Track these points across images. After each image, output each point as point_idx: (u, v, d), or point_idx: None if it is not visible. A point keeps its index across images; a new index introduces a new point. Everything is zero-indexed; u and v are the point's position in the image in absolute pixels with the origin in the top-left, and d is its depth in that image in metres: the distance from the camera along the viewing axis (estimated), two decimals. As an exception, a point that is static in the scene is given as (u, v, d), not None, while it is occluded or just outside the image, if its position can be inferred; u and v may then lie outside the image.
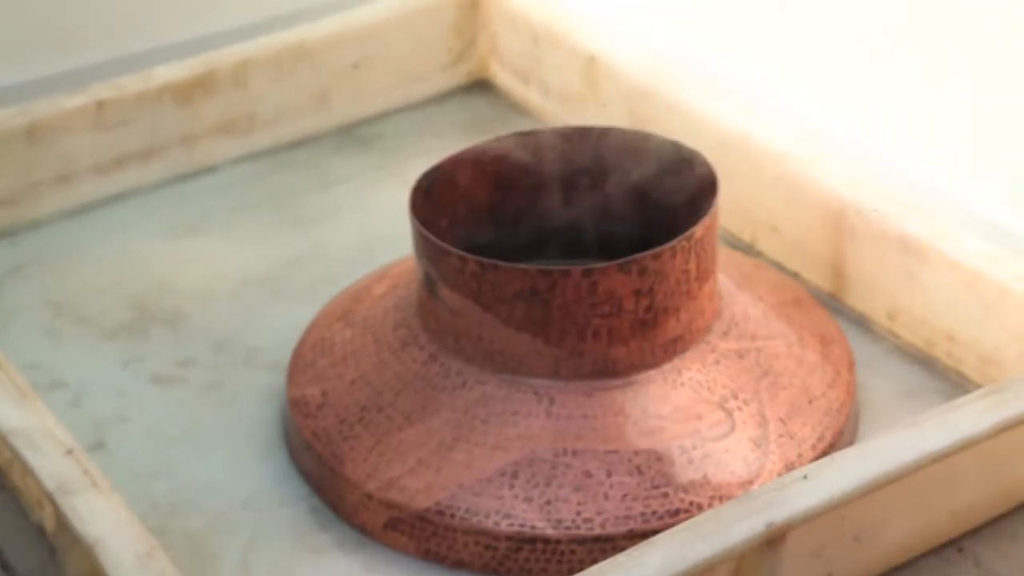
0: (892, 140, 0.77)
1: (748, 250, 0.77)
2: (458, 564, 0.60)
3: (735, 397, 0.63)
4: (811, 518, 0.54)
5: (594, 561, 0.55)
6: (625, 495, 0.59)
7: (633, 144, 0.68)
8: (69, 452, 0.58)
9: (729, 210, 0.73)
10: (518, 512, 0.59)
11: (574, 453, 0.60)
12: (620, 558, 0.52)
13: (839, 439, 0.63)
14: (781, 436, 0.62)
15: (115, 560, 0.53)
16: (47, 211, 0.81)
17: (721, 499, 0.60)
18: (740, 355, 0.64)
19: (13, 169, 0.80)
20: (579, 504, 0.59)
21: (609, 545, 0.59)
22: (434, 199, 0.66)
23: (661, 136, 0.67)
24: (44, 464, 0.58)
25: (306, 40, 0.86)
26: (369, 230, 0.80)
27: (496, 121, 0.89)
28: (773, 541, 0.54)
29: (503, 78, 0.91)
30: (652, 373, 0.62)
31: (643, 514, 0.59)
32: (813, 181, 0.73)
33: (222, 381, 0.71)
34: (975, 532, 0.61)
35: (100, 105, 0.81)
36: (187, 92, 0.83)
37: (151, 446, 0.67)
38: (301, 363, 0.68)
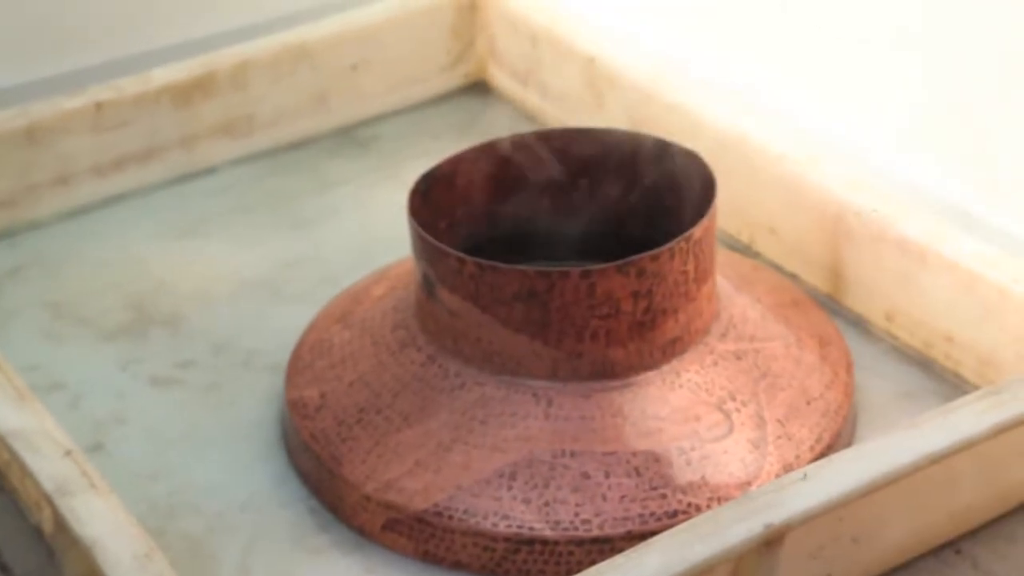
0: (891, 142, 0.77)
1: (746, 251, 0.77)
2: (456, 565, 0.60)
3: (733, 398, 0.63)
4: (809, 519, 0.54)
5: (592, 562, 0.55)
6: (623, 496, 0.59)
7: (631, 145, 0.68)
8: (68, 453, 0.58)
9: (727, 211, 0.73)
10: (516, 513, 0.59)
11: (572, 454, 0.60)
12: (618, 559, 0.52)
13: (837, 440, 0.64)
14: (779, 437, 0.62)
15: (113, 561, 0.53)
16: (46, 212, 0.81)
17: (719, 500, 0.60)
18: (738, 356, 0.64)
19: (12, 170, 0.80)
20: (577, 505, 0.59)
21: (607, 546, 0.59)
22: (432, 201, 0.66)
23: (660, 137, 0.67)
24: (43, 465, 0.58)
25: (305, 41, 0.86)
26: (368, 232, 0.80)
27: (494, 123, 0.89)
28: (771, 542, 0.54)
29: (502, 80, 0.91)
30: (650, 374, 0.62)
31: (641, 515, 0.59)
32: (811, 183, 0.73)
33: (221, 383, 0.71)
34: (973, 533, 0.61)
35: (99, 106, 0.81)
36: (186, 93, 0.83)
37: (150, 448, 0.67)
38: (300, 365, 0.68)
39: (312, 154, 0.87)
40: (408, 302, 0.66)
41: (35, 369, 0.71)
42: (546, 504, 0.59)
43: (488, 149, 0.68)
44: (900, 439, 0.57)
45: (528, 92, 0.89)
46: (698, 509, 0.59)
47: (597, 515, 0.59)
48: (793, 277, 0.75)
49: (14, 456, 0.58)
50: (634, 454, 0.60)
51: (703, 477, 0.60)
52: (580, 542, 0.59)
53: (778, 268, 0.75)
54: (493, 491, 0.60)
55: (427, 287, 0.63)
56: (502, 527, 0.59)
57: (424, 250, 0.63)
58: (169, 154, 0.84)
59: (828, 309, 0.72)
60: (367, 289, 0.71)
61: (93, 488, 0.57)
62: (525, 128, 0.85)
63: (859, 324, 0.72)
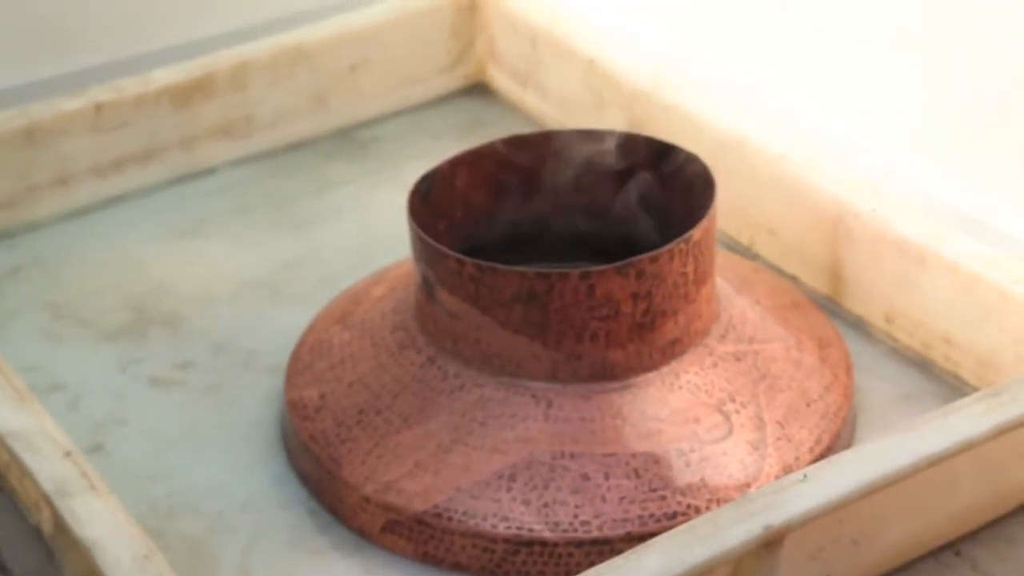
0: (890, 142, 0.77)
1: (746, 253, 0.77)
2: (456, 567, 0.60)
3: (733, 400, 0.63)
4: (808, 521, 0.54)
5: (592, 564, 0.55)
6: (623, 498, 0.59)
7: (631, 147, 0.68)
8: (67, 454, 0.58)
9: (727, 213, 0.73)
10: (516, 515, 0.59)
11: (572, 456, 0.60)
12: (617, 561, 0.53)
13: (836, 442, 0.64)
14: (779, 439, 0.62)
15: (113, 562, 0.54)
16: (45, 213, 0.81)
17: (719, 502, 0.60)
18: (738, 358, 0.64)
19: (11, 171, 0.80)
20: (576, 507, 0.59)
21: (607, 548, 0.59)
22: (432, 202, 0.66)
23: (659, 139, 0.67)
24: (42, 466, 0.58)
25: (304, 43, 0.86)
26: (367, 233, 0.80)
27: (494, 124, 0.89)
28: (771, 544, 0.54)
29: (501, 81, 0.91)
30: (650, 376, 0.62)
31: (640, 517, 0.59)
32: (811, 184, 0.73)
33: (221, 383, 0.71)
34: (973, 535, 0.61)
35: (99, 107, 0.81)
36: (185, 95, 0.83)
37: (149, 448, 0.67)
38: (299, 365, 0.68)
39: (311, 155, 0.87)
40: (408, 303, 0.66)
41: (35, 370, 0.71)
42: (545, 505, 0.59)
43: (488, 150, 0.68)
44: (899, 441, 0.57)
45: (528, 93, 0.89)
46: (697, 511, 0.59)
47: (596, 516, 0.59)
48: (793, 279, 0.75)
49: (14, 457, 0.58)
50: (633, 456, 0.60)
51: (702, 479, 0.60)
52: (579, 543, 0.59)
53: (778, 270, 0.75)
54: (492, 492, 0.60)
55: (427, 288, 0.63)
56: (501, 528, 0.59)
57: (424, 251, 0.63)
58: (169, 155, 0.84)
59: (827, 311, 0.72)
60: (367, 290, 0.71)
61: (93, 489, 0.57)
62: (524, 129, 0.85)
63: (859, 326, 0.72)
